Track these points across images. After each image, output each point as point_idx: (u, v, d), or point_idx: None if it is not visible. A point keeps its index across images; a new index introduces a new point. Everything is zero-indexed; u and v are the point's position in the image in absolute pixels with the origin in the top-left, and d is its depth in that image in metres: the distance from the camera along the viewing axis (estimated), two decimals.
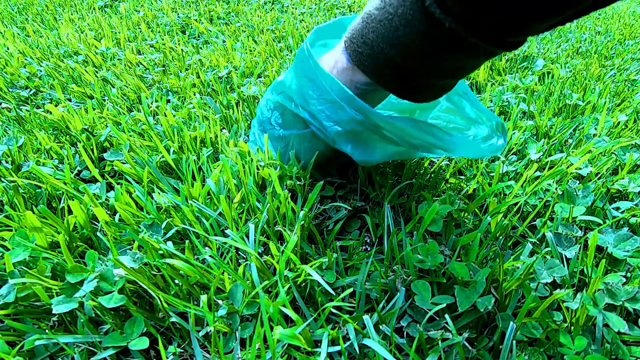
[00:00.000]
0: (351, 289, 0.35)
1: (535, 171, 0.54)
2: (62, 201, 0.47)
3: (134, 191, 0.45)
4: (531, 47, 1.18)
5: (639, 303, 0.33)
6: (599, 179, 0.55)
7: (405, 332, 0.33)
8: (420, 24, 0.29)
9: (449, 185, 0.51)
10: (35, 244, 0.38)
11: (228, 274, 0.36)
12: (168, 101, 0.77)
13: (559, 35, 1.39)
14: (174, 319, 0.32)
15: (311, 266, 0.36)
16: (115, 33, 1.17)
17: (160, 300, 0.33)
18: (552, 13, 0.26)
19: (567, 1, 0.26)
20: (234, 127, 0.62)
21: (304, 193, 0.46)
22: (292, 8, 1.48)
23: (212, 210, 0.43)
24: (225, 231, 0.41)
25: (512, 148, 0.61)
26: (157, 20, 1.31)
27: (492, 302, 0.32)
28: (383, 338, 0.32)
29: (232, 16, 1.37)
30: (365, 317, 0.32)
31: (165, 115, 0.65)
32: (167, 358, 0.32)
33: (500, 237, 0.43)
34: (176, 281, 0.36)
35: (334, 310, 0.34)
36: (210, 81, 0.82)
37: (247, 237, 0.40)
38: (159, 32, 1.19)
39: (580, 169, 0.55)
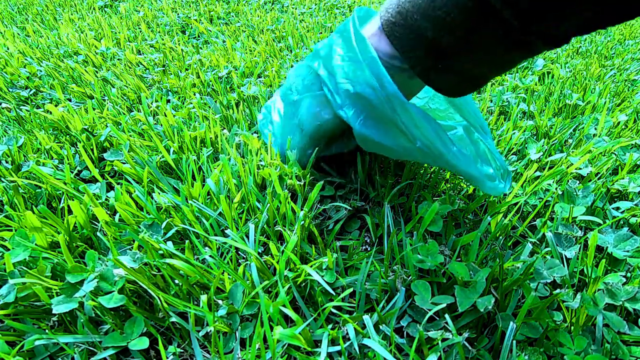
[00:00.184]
0: (351, 289, 0.35)
1: (535, 171, 0.54)
2: (62, 201, 0.47)
3: (134, 191, 0.45)
4: None
5: (639, 303, 0.33)
6: (599, 179, 0.55)
7: (405, 332, 0.33)
8: (470, 1, 0.28)
9: (449, 185, 0.51)
10: (35, 244, 0.38)
11: (228, 274, 0.36)
12: (168, 101, 0.77)
13: None
14: (174, 319, 0.32)
15: (311, 266, 0.36)
16: (115, 33, 1.17)
17: (160, 300, 0.33)
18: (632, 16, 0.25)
19: None
20: (234, 127, 0.62)
21: (304, 193, 0.46)
22: (292, 8, 1.48)
23: (212, 210, 0.43)
24: (225, 231, 0.41)
25: (512, 148, 0.61)
26: (157, 20, 1.30)
27: (492, 302, 0.32)
28: (383, 338, 0.32)
29: (232, 16, 1.37)
30: (365, 317, 0.32)
31: (165, 115, 0.65)
32: (167, 358, 0.32)
33: (500, 237, 0.43)
34: (176, 281, 0.36)
35: (334, 310, 0.34)
36: (210, 81, 0.82)
37: (247, 237, 0.40)
38: (159, 32, 1.19)
39: (580, 169, 0.55)
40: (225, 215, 0.41)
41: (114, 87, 0.82)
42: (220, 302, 0.35)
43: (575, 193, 0.48)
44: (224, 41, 1.10)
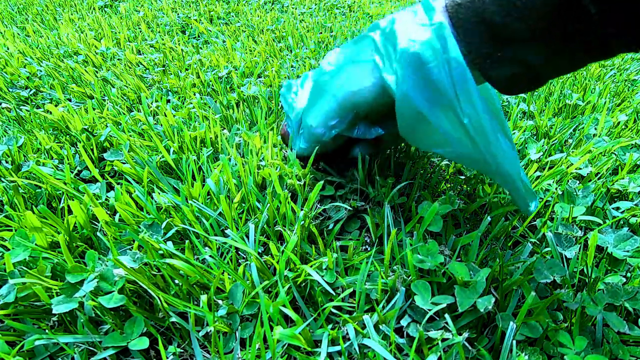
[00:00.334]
0: (351, 289, 0.35)
1: (535, 171, 0.54)
2: (62, 201, 0.47)
3: (134, 191, 0.45)
4: None
5: (639, 303, 0.33)
6: (599, 179, 0.55)
7: (405, 332, 0.33)
8: None
9: (449, 186, 0.51)
10: (35, 244, 0.38)
11: (228, 274, 0.36)
12: (168, 101, 0.77)
13: None
14: (174, 319, 0.32)
15: (311, 266, 0.36)
16: (115, 33, 1.17)
17: (160, 300, 0.33)
18: None
19: None
20: (234, 127, 0.62)
21: (304, 193, 0.46)
22: (292, 8, 1.48)
23: (212, 210, 0.43)
24: (225, 231, 0.41)
25: None
26: (157, 20, 1.30)
27: (492, 302, 0.32)
28: (383, 338, 0.32)
29: (232, 16, 1.37)
30: (365, 317, 0.32)
31: (165, 115, 0.65)
32: (167, 358, 0.32)
33: (501, 237, 0.43)
34: (176, 281, 0.36)
35: (334, 310, 0.34)
36: (210, 81, 0.82)
37: (247, 237, 0.40)
38: (159, 32, 1.19)
39: (580, 169, 0.55)
40: (225, 215, 0.41)
41: (114, 87, 0.82)
42: (220, 302, 0.35)
43: (575, 193, 0.48)
44: (224, 41, 1.10)
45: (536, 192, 0.50)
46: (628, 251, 0.39)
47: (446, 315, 0.31)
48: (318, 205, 0.46)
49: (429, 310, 0.33)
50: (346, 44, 0.42)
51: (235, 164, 0.50)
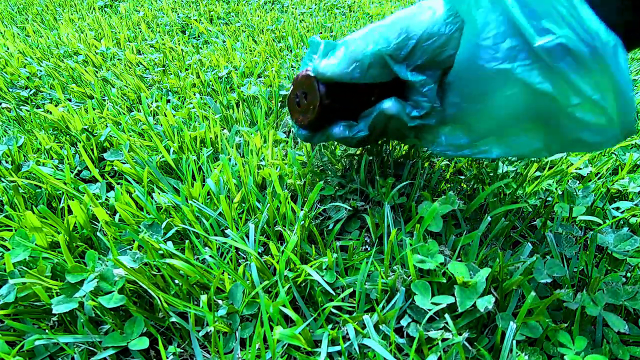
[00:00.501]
0: (351, 289, 0.35)
1: (535, 171, 0.54)
2: (62, 201, 0.47)
3: (134, 191, 0.45)
4: None
5: (639, 303, 0.33)
6: (599, 179, 0.55)
7: (405, 332, 0.33)
8: None
9: (449, 186, 0.51)
10: (35, 244, 0.38)
11: (228, 274, 0.36)
12: (168, 101, 0.77)
13: None
14: (174, 319, 0.32)
15: (311, 266, 0.36)
16: (115, 33, 1.17)
17: (160, 300, 0.33)
18: None
19: None
20: (234, 127, 0.62)
21: (304, 193, 0.46)
22: (292, 8, 1.48)
23: (212, 210, 0.43)
24: (225, 231, 0.41)
25: None
26: (157, 20, 1.31)
27: (492, 302, 0.32)
28: (383, 338, 0.32)
29: (232, 16, 1.37)
30: (365, 317, 0.32)
31: (165, 115, 0.65)
32: (167, 358, 0.32)
33: (500, 237, 0.43)
34: (176, 281, 0.36)
35: (334, 310, 0.34)
36: (210, 81, 0.82)
37: (247, 237, 0.40)
38: (159, 32, 1.19)
39: (580, 169, 0.55)
40: (225, 215, 0.41)
41: (114, 87, 0.82)
42: (220, 302, 0.35)
43: (575, 193, 0.48)
44: (224, 41, 1.10)
45: (537, 192, 0.50)
46: (628, 251, 0.39)
47: (446, 315, 0.31)
48: (318, 205, 0.46)
49: (429, 310, 0.33)
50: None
51: (235, 164, 0.50)
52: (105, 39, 1.10)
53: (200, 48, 1.07)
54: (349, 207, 0.45)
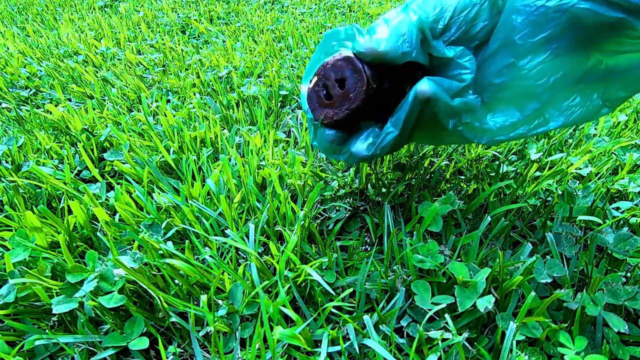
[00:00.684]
0: (351, 289, 0.35)
1: (535, 171, 0.54)
2: (62, 201, 0.47)
3: (134, 191, 0.45)
4: None
5: (639, 303, 0.33)
6: (599, 179, 0.55)
7: (405, 332, 0.33)
8: None
9: (449, 186, 0.51)
10: (35, 244, 0.38)
11: (228, 274, 0.36)
12: (168, 101, 0.77)
13: None
14: (174, 319, 0.32)
15: (311, 266, 0.36)
16: (115, 33, 1.17)
17: (160, 300, 0.33)
18: None
19: None
20: (234, 127, 0.62)
21: (304, 193, 0.46)
22: (292, 8, 1.48)
23: (212, 210, 0.43)
24: (225, 231, 0.41)
25: (512, 148, 0.61)
26: (157, 20, 1.31)
27: (492, 302, 0.32)
28: (383, 338, 0.32)
29: (232, 16, 1.37)
30: (365, 317, 0.32)
31: (165, 115, 0.65)
32: (167, 358, 0.32)
33: (500, 237, 0.43)
34: (176, 281, 0.36)
35: (334, 310, 0.34)
36: (210, 81, 0.82)
37: (247, 237, 0.40)
38: (159, 32, 1.19)
39: (580, 169, 0.55)
40: (225, 215, 0.41)
41: (114, 87, 0.82)
42: (220, 302, 0.35)
43: (575, 193, 0.48)
44: (224, 41, 1.10)
45: (537, 192, 0.50)
46: (628, 251, 0.39)
47: (446, 315, 0.31)
48: (318, 205, 0.46)
49: (429, 310, 0.33)
50: None
51: (235, 164, 0.50)
52: (105, 39, 1.10)
53: (200, 48, 1.07)
54: (349, 207, 0.45)
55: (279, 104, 0.72)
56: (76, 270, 0.34)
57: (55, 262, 0.37)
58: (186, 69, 0.91)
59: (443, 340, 0.32)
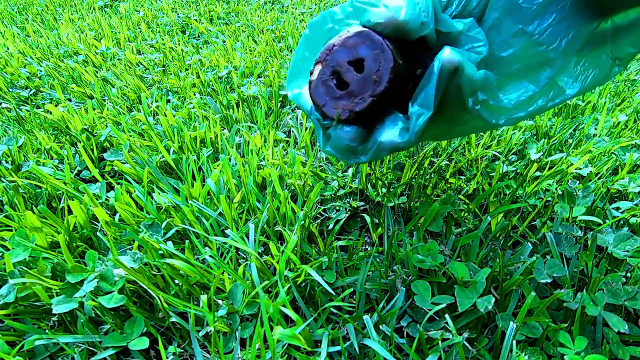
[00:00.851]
0: (351, 289, 0.35)
1: (535, 171, 0.54)
2: (62, 201, 0.47)
3: (134, 191, 0.45)
4: None
5: (639, 303, 0.33)
6: (599, 179, 0.55)
7: (405, 332, 0.33)
8: None
9: (449, 185, 0.51)
10: (35, 244, 0.38)
11: (228, 274, 0.36)
12: (168, 101, 0.77)
13: None
14: (174, 319, 0.32)
15: (311, 266, 0.36)
16: (115, 33, 1.17)
17: (160, 300, 0.33)
18: None
19: None
20: (234, 127, 0.62)
21: (304, 193, 0.46)
22: (292, 8, 1.48)
23: (212, 210, 0.43)
24: (225, 231, 0.41)
25: (512, 148, 0.61)
26: (157, 20, 1.31)
27: (492, 302, 0.32)
28: (383, 338, 0.32)
29: (232, 16, 1.37)
30: (365, 317, 0.32)
31: (165, 115, 0.65)
32: (167, 358, 0.32)
33: (500, 237, 0.43)
34: (176, 281, 0.36)
35: (334, 310, 0.34)
36: (210, 81, 0.82)
37: (247, 237, 0.40)
38: (159, 32, 1.19)
39: (580, 169, 0.55)
40: (225, 215, 0.41)
41: (114, 87, 0.82)
42: (220, 302, 0.35)
43: (575, 193, 0.48)
44: (224, 41, 1.10)
45: (537, 192, 0.50)
46: (628, 251, 0.39)
47: (446, 315, 0.31)
48: (318, 205, 0.46)
49: (429, 310, 0.33)
50: None
51: (235, 164, 0.50)
52: (105, 39, 1.10)
53: (200, 48, 1.07)
54: (349, 207, 0.45)
55: (279, 104, 0.72)
56: (76, 270, 0.34)
57: (55, 262, 0.37)
58: (186, 69, 0.91)
59: (443, 340, 0.32)
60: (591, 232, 0.39)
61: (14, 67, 0.89)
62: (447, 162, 0.56)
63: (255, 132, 0.63)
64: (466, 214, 0.46)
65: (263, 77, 0.86)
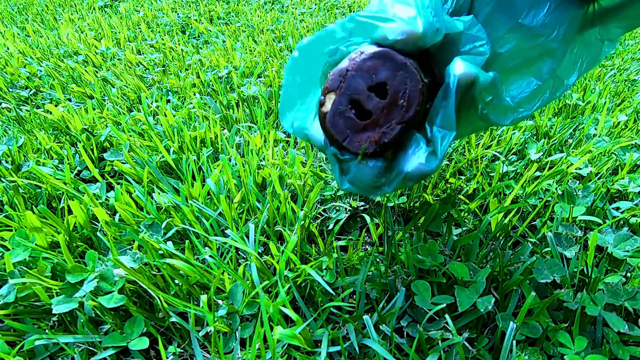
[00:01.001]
0: (351, 289, 0.35)
1: (535, 171, 0.54)
2: (62, 201, 0.47)
3: (134, 191, 0.45)
4: None
5: (639, 303, 0.33)
6: (599, 179, 0.55)
7: (405, 332, 0.33)
8: None
9: (449, 185, 0.51)
10: (35, 244, 0.38)
11: (228, 274, 0.36)
12: (168, 101, 0.77)
13: None
14: (174, 319, 0.32)
15: (311, 266, 0.36)
16: (115, 33, 1.17)
17: (160, 300, 0.33)
18: None
19: None
20: (234, 127, 0.62)
21: (304, 193, 0.46)
22: (292, 8, 1.48)
23: (212, 210, 0.43)
24: (225, 231, 0.41)
25: (512, 148, 0.61)
26: (157, 20, 1.31)
27: (492, 302, 0.32)
28: (383, 338, 0.32)
29: (232, 16, 1.37)
30: (365, 317, 0.32)
31: (165, 115, 0.65)
32: (167, 358, 0.32)
33: (500, 237, 0.43)
34: (176, 281, 0.36)
35: (334, 310, 0.34)
36: (210, 81, 0.82)
37: (247, 237, 0.40)
38: (159, 32, 1.19)
39: (580, 169, 0.55)
40: (225, 215, 0.41)
41: (114, 87, 0.82)
42: (220, 302, 0.35)
43: (575, 193, 0.48)
44: (224, 41, 1.10)
45: (537, 192, 0.50)
46: (628, 251, 0.39)
47: (446, 316, 0.31)
48: (318, 205, 0.46)
49: (429, 310, 0.33)
50: None
51: (235, 164, 0.50)
52: (105, 39, 1.10)
53: (200, 48, 1.07)
54: (349, 207, 0.45)
55: (279, 104, 0.72)
56: (76, 270, 0.34)
57: (55, 262, 0.37)
58: (186, 69, 0.91)
59: (443, 340, 0.32)
60: (591, 232, 0.39)
61: (14, 67, 0.89)
62: (447, 162, 0.56)
63: (255, 132, 0.63)
64: (466, 214, 0.46)
65: (263, 77, 0.86)
